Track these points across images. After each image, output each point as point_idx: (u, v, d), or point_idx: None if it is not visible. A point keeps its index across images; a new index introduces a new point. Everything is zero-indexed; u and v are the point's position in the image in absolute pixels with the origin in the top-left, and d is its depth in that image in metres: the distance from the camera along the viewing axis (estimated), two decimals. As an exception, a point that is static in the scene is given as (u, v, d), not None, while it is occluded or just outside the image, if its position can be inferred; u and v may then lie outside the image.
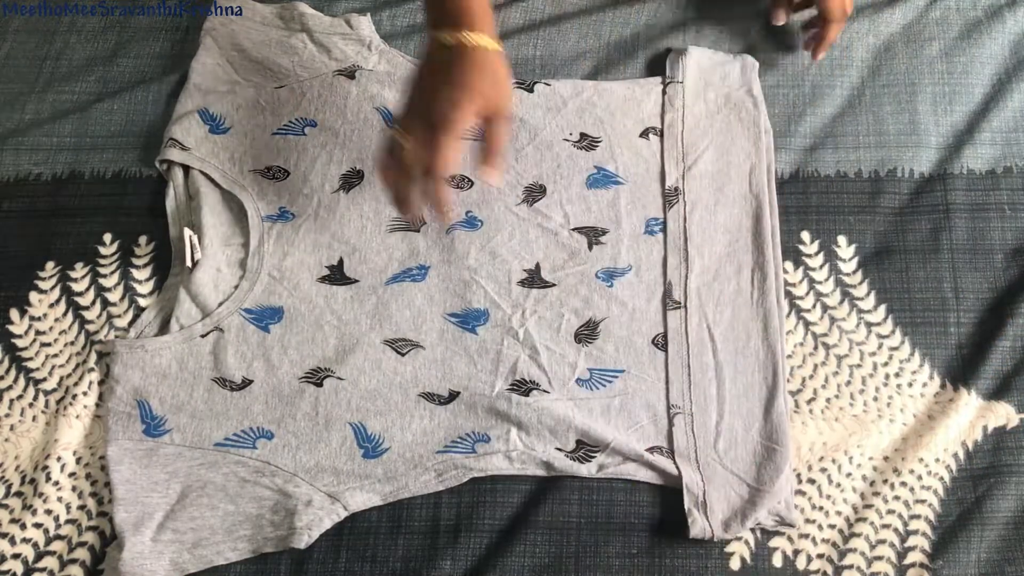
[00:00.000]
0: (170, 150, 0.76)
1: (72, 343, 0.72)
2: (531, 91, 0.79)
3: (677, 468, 0.65)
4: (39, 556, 0.65)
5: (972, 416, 0.68)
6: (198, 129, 0.78)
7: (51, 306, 0.74)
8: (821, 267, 0.74)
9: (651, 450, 0.66)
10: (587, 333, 0.71)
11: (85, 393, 0.70)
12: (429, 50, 0.62)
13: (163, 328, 0.71)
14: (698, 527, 0.64)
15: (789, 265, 0.74)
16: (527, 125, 0.78)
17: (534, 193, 0.76)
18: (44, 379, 0.71)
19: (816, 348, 0.71)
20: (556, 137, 0.78)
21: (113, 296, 0.74)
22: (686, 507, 0.64)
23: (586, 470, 0.65)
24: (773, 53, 0.84)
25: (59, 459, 0.67)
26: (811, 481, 0.66)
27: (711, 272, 0.73)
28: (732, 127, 0.78)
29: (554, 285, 0.72)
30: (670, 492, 0.66)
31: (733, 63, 0.82)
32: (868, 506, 0.65)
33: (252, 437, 0.66)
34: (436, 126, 0.60)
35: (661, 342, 0.70)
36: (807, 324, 0.72)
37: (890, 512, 0.65)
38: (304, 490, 0.64)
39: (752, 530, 0.64)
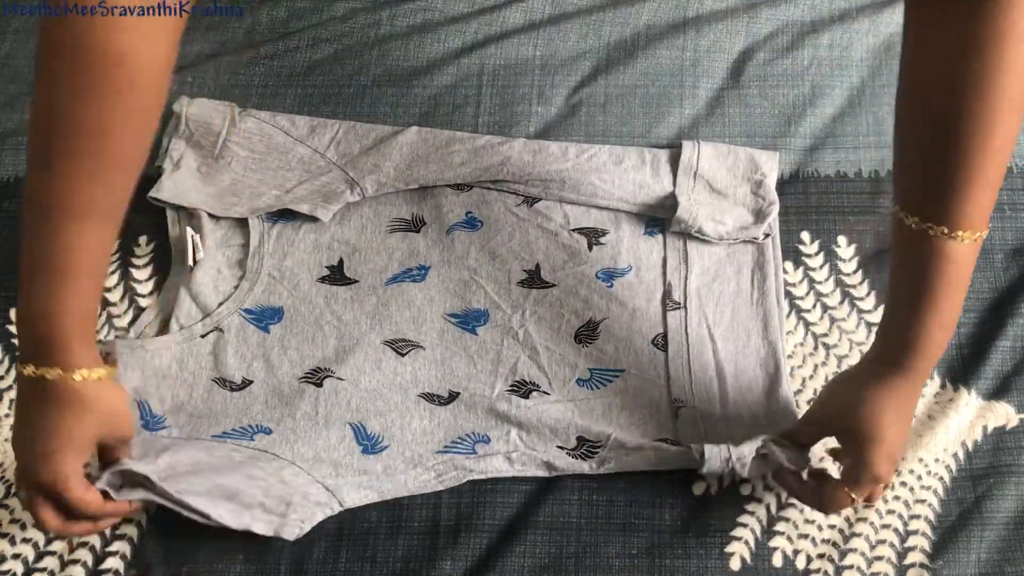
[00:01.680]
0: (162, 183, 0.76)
1: (72, 343, 0.72)
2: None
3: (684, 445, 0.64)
4: (39, 556, 0.65)
5: (972, 416, 0.68)
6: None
7: (51, 306, 0.74)
8: (821, 267, 0.74)
9: (657, 441, 0.66)
10: (587, 333, 0.71)
11: (85, 393, 0.69)
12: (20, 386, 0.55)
13: (163, 328, 0.71)
14: (715, 458, 0.61)
15: (789, 265, 0.74)
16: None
17: (531, 199, 0.76)
18: (44, 379, 0.71)
19: (816, 348, 0.71)
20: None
21: (113, 296, 0.74)
22: (703, 449, 0.62)
23: (588, 467, 0.65)
24: (772, 51, 0.84)
25: (59, 459, 0.67)
26: (811, 481, 0.66)
27: (711, 273, 0.73)
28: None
29: (554, 285, 0.72)
30: (670, 492, 0.65)
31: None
32: (868, 506, 0.65)
33: (250, 432, 0.66)
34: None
35: (661, 342, 0.70)
36: (807, 324, 0.72)
37: (890, 512, 0.65)
38: (301, 480, 0.64)
39: (752, 530, 0.64)
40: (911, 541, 0.64)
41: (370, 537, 0.65)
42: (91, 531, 0.60)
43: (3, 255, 0.76)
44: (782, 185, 0.77)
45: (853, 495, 0.59)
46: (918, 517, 0.65)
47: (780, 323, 0.71)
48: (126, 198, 0.53)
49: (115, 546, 0.65)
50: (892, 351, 0.57)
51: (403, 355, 0.70)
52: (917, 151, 0.53)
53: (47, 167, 0.50)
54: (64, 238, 0.51)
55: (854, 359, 0.70)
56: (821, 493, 0.61)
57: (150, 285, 0.74)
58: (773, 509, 0.65)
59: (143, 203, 0.77)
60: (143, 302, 0.74)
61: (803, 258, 0.75)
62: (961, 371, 0.70)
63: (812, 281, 0.74)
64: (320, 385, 0.68)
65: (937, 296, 0.54)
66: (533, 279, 0.73)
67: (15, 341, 0.73)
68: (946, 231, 0.52)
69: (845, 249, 0.75)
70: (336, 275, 0.73)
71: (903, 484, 0.66)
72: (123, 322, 0.73)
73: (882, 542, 0.64)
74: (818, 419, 0.62)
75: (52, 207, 0.51)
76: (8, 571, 0.64)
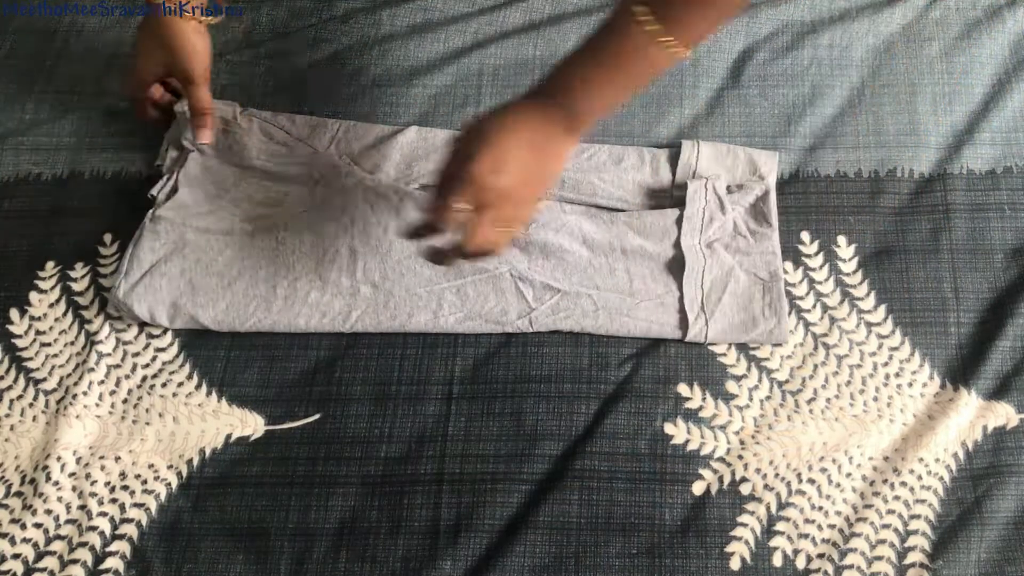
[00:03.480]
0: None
1: (72, 343, 0.72)
2: None
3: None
4: (39, 556, 0.65)
5: (972, 416, 0.68)
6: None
7: (51, 306, 0.74)
8: (821, 267, 0.74)
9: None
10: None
11: (85, 393, 0.70)
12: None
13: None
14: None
15: (789, 265, 0.74)
16: None
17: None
18: (44, 379, 0.71)
19: (816, 348, 0.71)
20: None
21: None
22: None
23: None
24: (772, 51, 0.84)
25: (59, 459, 0.67)
26: (811, 481, 0.66)
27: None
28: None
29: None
30: (670, 492, 0.66)
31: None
32: (868, 506, 0.65)
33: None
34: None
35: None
36: (807, 324, 0.72)
37: (890, 512, 0.65)
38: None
39: (752, 530, 0.64)
40: (911, 541, 0.64)
41: (370, 537, 0.65)
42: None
43: (3, 255, 0.76)
44: (782, 185, 0.77)
45: (452, 200, 0.58)
46: (918, 517, 0.65)
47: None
48: None
49: (115, 546, 0.65)
50: (550, 86, 0.61)
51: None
52: None
53: None
54: None
55: (854, 359, 0.70)
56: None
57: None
58: (773, 509, 0.65)
59: (143, 204, 0.77)
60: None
61: (803, 258, 0.75)
62: (961, 371, 0.70)
63: (812, 281, 0.74)
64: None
65: (617, 72, 0.59)
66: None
67: (15, 342, 0.73)
68: (666, 38, 0.57)
69: (845, 249, 0.75)
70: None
71: (903, 484, 0.66)
72: (123, 323, 0.73)
73: (882, 542, 0.64)
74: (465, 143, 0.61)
75: None
76: (8, 571, 0.64)
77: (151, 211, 0.75)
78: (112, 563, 0.64)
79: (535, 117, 0.60)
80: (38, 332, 0.73)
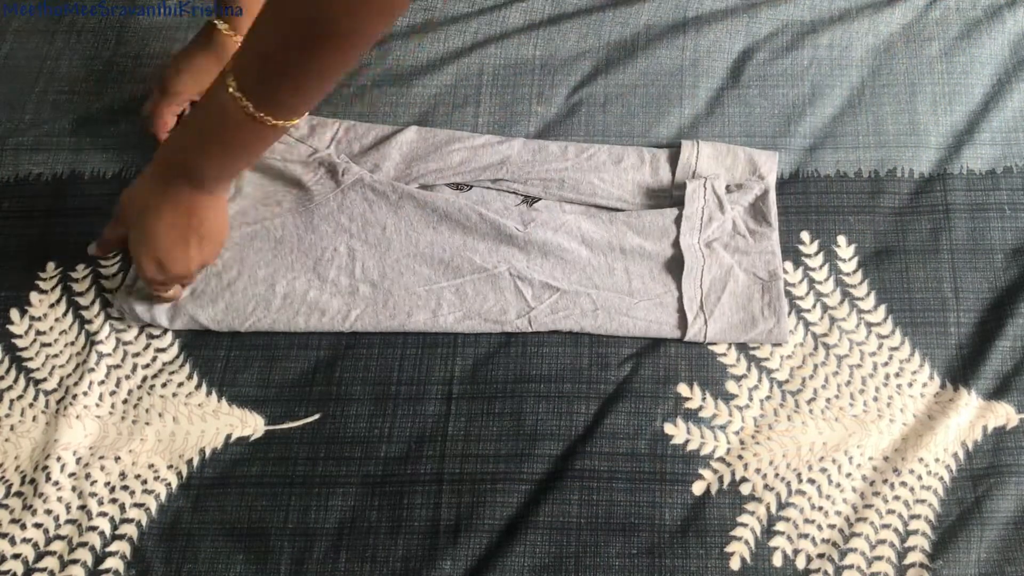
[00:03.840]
0: None
1: (72, 343, 0.72)
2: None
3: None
4: (39, 556, 0.65)
5: (972, 416, 0.68)
6: None
7: (51, 306, 0.74)
8: (821, 267, 0.74)
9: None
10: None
11: (85, 393, 0.70)
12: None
13: None
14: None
15: (789, 265, 0.74)
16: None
17: (530, 198, 0.77)
18: (44, 379, 0.71)
19: (816, 348, 0.71)
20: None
21: (113, 296, 0.74)
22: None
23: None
24: (772, 51, 0.84)
25: (59, 459, 0.67)
26: (811, 481, 0.66)
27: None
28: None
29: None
30: (670, 492, 0.66)
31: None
32: (868, 506, 0.65)
33: None
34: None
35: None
36: (807, 324, 0.72)
37: (890, 512, 0.65)
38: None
39: (752, 530, 0.64)
40: (911, 541, 0.64)
41: (370, 537, 0.65)
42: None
43: (3, 255, 0.76)
44: (782, 185, 0.77)
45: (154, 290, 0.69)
46: (918, 517, 0.65)
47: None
48: None
49: (115, 546, 0.65)
50: (168, 165, 0.65)
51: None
52: (279, 42, 0.57)
53: None
54: None
55: (854, 359, 0.70)
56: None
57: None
58: (773, 509, 0.65)
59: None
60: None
61: (803, 258, 0.75)
62: (961, 371, 0.70)
63: (812, 281, 0.74)
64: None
65: (224, 146, 0.63)
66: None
67: (15, 341, 0.73)
68: (261, 115, 0.59)
69: (845, 249, 0.75)
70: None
71: (903, 484, 0.66)
72: (124, 323, 0.73)
73: (882, 542, 0.64)
74: (123, 220, 0.68)
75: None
76: (8, 571, 0.64)
77: None
78: (112, 563, 0.64)
79: (171, 194, 0.65)
80: (38, 332, 0.73)
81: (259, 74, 0.58)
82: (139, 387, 0.71)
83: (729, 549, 0.64)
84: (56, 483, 0.67)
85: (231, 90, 0.58)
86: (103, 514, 0.66)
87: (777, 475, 0.66)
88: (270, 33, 0.56)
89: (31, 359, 0.72)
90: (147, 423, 0.69)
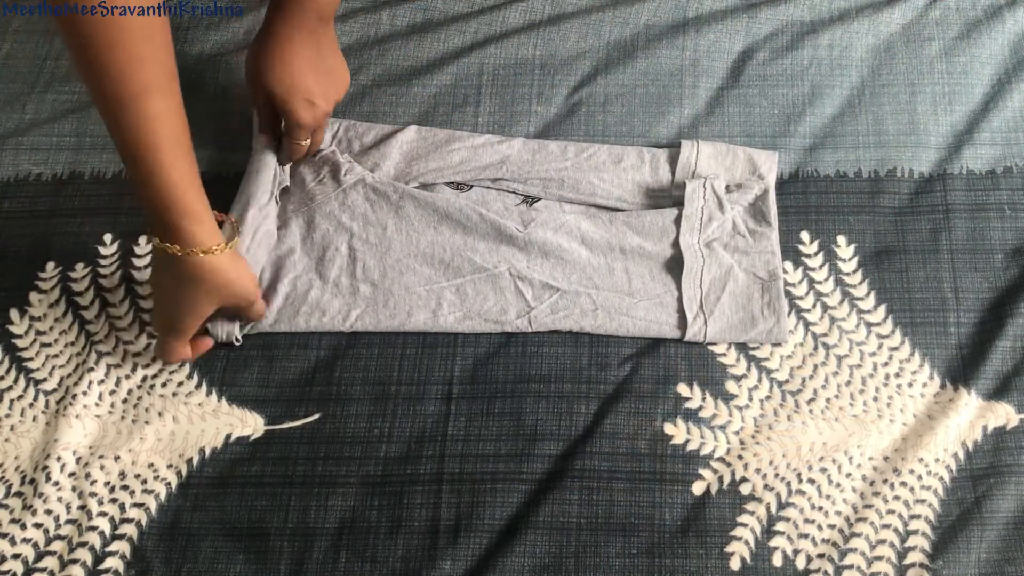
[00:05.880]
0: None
1: (72, 343, 0.72)
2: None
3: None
4: (39, 556, 0.65)
5: (972, 416, 0.68)
6: None
7: (51, 306, 0.74)
8: (821, 267, 0.74)
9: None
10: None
11: (85, 393, 0.70)
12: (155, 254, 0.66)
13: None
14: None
15: (789, 265, 0.74)
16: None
17: (530, 199, 0.77)
18: (44, 379, 0.71)
19: (816, 348, 0.71)
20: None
21: (113, 296, 0.74)
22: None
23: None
24: (772, 51, 0.84)
25: (59, 459, 0.67)
26: (811, 481, 0.66)
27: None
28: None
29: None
30: (670, 492, 0.66)
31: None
32: (868, 506, 0.65)
33: None
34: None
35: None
36: (807, 324, 0.72)
37: (890, 512, 0.65)
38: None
39: (752, 530, 0.64)
40: (911, 541, 0.64)
41: (370, 537, 0.65)
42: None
43: (3, 255, 0.76)
44: (782, 185, 0.77)
45: (298, 143, 0.74)
46: (918, 517, 0.65)
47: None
48: (175, 74, 0.60)
49: (115, 546, 0.65)
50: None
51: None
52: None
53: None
54: (137, 114, 0.59)
55: (854, 359, 0.70)
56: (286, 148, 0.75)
57: (150, 286, 0.74)
58: (773, 509, 0.65)
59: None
60: (144, 303, 0.74)
61: (803, 258, 0.75)
62: (961, 371, 0.70)
63: (812, 281, 0.74)
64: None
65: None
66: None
67: (15, 342, 0.73)
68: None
69: (845, 249, 0.75)
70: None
71: (903, 484, 0.66)
72: (123, 323, 0.73)
73: (882, 542, 0.64)
74: (251, 81, 0.72)
75: (115, 95, 0.57)
76: (8, 571, 0.64)
77: None
78: (112, 563, 0.64)
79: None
80: (38, 332, 0.73)
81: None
82: (139, 386, 0.71)
83: (729, 549, 0.64)
84: (56, 483, 0.66)
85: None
86: (103, 514, 0.66)
87: (777, 475, 0.66)
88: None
89: (31, 359, 0.72)
90: (147, 422, 0.69)
